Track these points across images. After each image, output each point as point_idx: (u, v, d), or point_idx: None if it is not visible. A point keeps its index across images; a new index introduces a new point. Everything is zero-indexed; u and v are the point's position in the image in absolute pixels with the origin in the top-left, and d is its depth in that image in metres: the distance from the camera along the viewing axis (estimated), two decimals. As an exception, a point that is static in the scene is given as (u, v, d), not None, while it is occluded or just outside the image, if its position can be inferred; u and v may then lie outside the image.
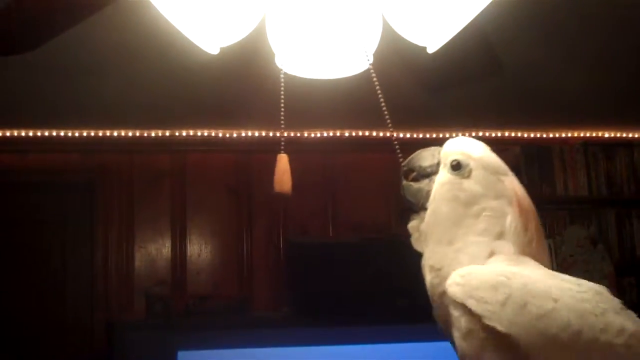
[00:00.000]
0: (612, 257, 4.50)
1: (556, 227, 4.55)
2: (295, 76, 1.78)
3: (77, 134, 4.61)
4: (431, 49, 1.66)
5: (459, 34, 1.61)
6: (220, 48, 1.63)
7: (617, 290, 4.42)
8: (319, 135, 4.83)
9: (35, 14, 1.80)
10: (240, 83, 3.47)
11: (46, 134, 4.58)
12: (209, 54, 1.63)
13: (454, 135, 1.64)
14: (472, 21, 1.59)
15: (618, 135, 5.15)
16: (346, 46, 1.66)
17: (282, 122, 1.63)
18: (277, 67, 1.69)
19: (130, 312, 4.31)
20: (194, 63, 3.11)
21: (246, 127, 4.59)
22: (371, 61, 1.67)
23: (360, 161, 4.94)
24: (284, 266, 4.32)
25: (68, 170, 4.70)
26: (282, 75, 1.69)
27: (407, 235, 1.42)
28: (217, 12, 1.51)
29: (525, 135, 5.04)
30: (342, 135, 4.87)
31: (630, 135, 5.15)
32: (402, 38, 1.69)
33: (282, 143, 1.60)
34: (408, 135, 4.79)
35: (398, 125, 5.14)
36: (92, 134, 4.63)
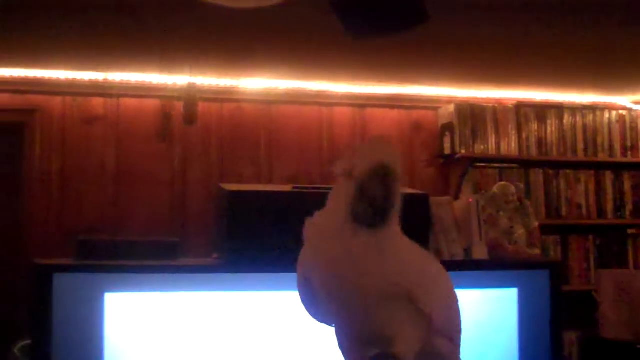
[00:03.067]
0: (539, 215, 4.62)
1: (486, 185, 4.66)
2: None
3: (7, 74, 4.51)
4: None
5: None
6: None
7: (542, 247, 4.55)
8: (256, 84, 4.80)
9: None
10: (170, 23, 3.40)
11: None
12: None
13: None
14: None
15: (549, 98, 5.26)
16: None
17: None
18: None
19: (58, 255, 4.26)
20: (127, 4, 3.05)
21: (180, 72, 4.51)
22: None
23: (296, 113, 4.94)
24: (216, 213, 4.31)
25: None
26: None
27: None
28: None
29: (460, 94, 5.10)
30: (279, 85, 4.85)
31: (561, 98, 5.27)
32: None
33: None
34: (331, 89, 4.82)
35: (317, 77, 5.08)
36: (23, 74, 4.52)
